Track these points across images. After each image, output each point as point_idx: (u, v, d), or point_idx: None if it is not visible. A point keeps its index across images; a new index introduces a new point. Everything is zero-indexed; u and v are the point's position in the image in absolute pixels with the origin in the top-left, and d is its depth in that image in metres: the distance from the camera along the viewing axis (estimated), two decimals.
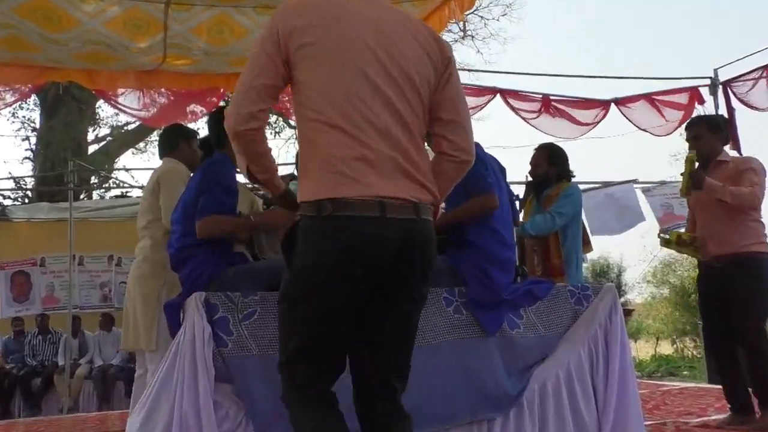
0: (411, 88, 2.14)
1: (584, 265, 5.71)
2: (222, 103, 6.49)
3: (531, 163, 4.94)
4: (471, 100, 7.54)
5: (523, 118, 7.78)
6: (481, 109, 7.74)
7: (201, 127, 13.43)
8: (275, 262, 3.21)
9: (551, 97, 8.04)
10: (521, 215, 4.88)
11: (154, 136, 16.66)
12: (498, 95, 7.81)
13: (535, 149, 5.02)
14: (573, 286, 3.74)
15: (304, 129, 2.08)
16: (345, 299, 2.04)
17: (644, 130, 8.30)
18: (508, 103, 7.79)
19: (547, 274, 4.54)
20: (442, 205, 3.10)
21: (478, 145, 3.14)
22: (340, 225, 1.99)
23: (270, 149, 2.19)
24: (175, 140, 4.48)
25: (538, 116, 7.94)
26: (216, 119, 3.44)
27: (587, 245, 5.21)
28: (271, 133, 16.84)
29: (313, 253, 2.01)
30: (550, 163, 4.89)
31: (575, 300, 3.66)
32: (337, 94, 2.04)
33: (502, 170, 3.72)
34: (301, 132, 2.10)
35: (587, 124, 8.10)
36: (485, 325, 3.33)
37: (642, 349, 21.01)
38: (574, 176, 4.95)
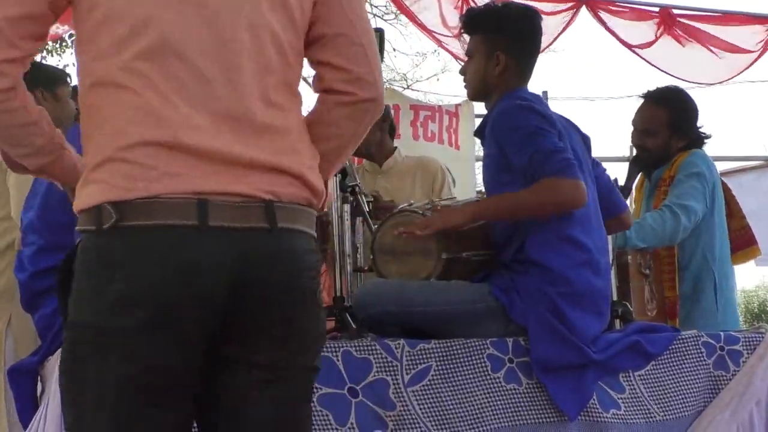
0: None
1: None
2: None
3: (638, 125, 3.68)
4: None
5: (629, 47, 5.54)
6: (554, 41, 5.59)
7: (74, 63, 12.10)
8: None
9: (674, 11, 5.59)
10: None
11: None
12: (584, 7, 5.37)
13: (646, 99, 3.74)
14: (711, 335, 3.11)
15: (85, 89, 1.67)
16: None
17: None
18: (600, 20, 5.52)
19: (666, 315, 3.53)
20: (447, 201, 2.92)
21: (538, 98, 2.82)
22: (127, 245, 1.55)
23: (41, 117, 1.69)
24: (29, 89, 3.53)
25: (653, 42, 5.82)
26: None
27: (746, 248, 3.83)
28: None
29: (86, 300, 1.56)
30: (673, 127, 3.59)
31: (715, 360, 3.09)
32: (132, 12, 1.59)
33: (585, 141, 2.99)
34: (81, 96, 1.70)
35: (744, 52, 5.81)
36: (560, 403, 2.77)
37: None
38: (708, 138, 3.66)
